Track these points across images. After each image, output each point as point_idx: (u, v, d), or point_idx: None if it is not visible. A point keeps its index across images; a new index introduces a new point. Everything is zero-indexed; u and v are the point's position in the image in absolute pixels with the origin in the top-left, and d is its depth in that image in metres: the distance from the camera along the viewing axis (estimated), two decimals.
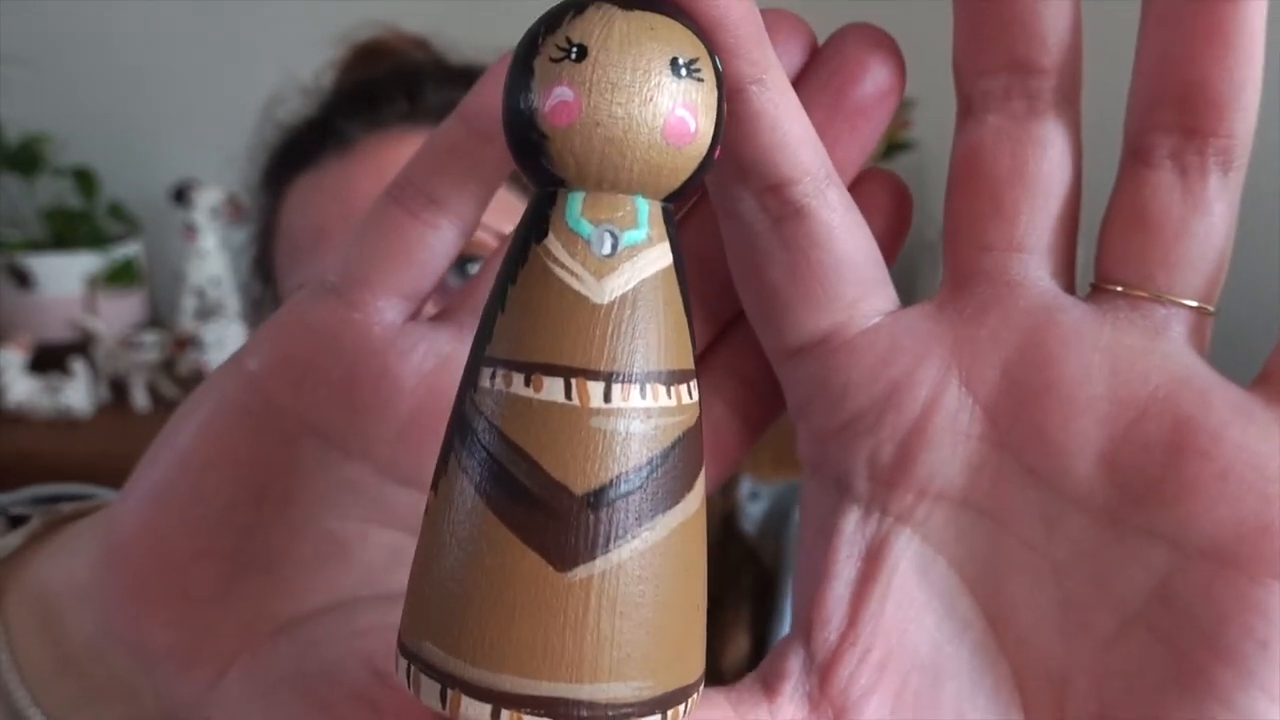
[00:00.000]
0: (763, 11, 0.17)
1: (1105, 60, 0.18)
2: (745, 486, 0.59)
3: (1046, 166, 0.18)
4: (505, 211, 0.27)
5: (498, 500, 0.13)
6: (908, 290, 0.19)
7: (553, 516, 0.13)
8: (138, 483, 0.21)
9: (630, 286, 0.13)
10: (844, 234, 0.18)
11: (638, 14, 0.13)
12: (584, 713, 0.13)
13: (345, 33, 0.61)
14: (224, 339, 1.04)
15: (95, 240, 1.15)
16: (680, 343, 0.14)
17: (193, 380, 1.09)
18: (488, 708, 0.13)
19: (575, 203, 0.14)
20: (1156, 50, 0.17)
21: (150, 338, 1.09)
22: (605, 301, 0.13)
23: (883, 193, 0.20)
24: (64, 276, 1.13)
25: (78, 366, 1.04)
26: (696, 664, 0.15)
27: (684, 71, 0.13)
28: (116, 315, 1.15)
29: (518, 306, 0.14)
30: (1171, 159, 0.17)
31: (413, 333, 0.20)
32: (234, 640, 0.21)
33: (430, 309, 0.21)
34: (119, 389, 1.09)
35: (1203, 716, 0.16)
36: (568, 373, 0.13)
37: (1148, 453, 0.16)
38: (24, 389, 1.03)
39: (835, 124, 0.18)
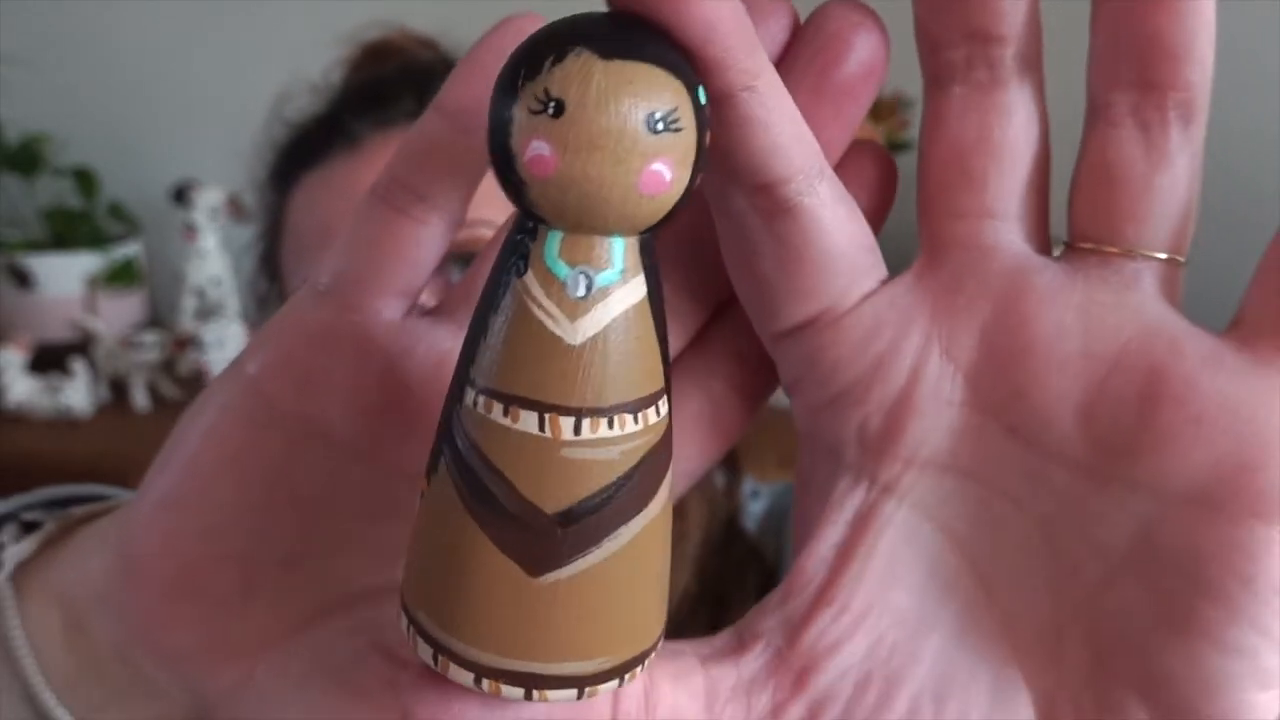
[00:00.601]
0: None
1: (1070, 25, 0.18)
2: (747, 485, 0.59)
3: (1012, 133, 0.18)
4: (499, 201, 0.27)
5: (479, 512, 0.15)
6: None
7: (526, 531, 0.15)
8: (149, 490, 0.21)
9: (602, 326, 0.14)
10: (834, 227, 0.18)
11: (617, 65, 0.13)
12: (552, 685, 0.15)
13: (352, 32, 0.62)
14: (224, 339, 1.04)
15: (95, 240, 1.15)
16: (649, 368, 0.15)
17: (193, 380, 1.09)
18: (471, 675, 0.15)
19: (553, 243, 0.14)
20: (1111, 8, 0.17)
21: (150, 338, 1.09)
22: (578, 343, 0.14)
23: (868, 164, 0.20)
24: (64, 276, 1.13)
25: (78, 366, 1.05)
26: (654, 629, 0.16)
27: (660, 126, 0.13)
28: (116, 315, 1.15)
29: (498, 337, 0.15)
30: (1132, 115, 0.17)
31: (412, 331, 0.21)
32: (257, 637, 0.21)
33: (426, 298, 0.21)
34: (119, 389, 1.10)
35: (1194, 654, 0.16)
36: (542, 408, 0.14)
37: (1123, 404, 0.17)
38: (24, 389, 1.03)
39: (820, 106, 0.18)
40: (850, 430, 0.19)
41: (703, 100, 0.14)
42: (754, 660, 0.19)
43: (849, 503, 0.19)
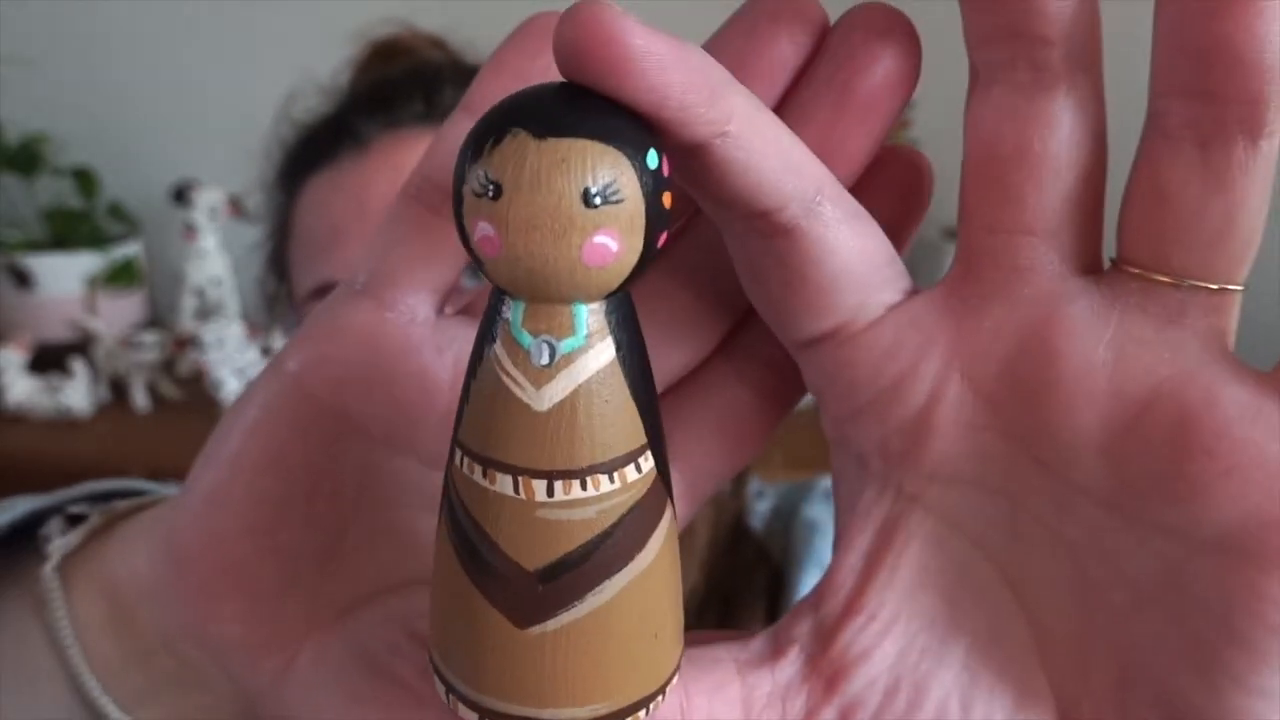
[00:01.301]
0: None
1: (1143, 25, 0.16)
2: (753, 485, 0.59)
3: (1055, 145, 0.16)
4: None
5: (470, 567, 0.16)
6: None
7: (510, 586, 0.15)
8: (194, 486, 0.21)
9: (568, 392, 0.15)
10: (838, 247, 0.17)
11: (550, 143, 0.14)
12: None
13: (359, 30, 0.61)
14: (224, 339, 1.04)
15: (95, 240, 1.15)
16: (624, 427, 0.15)
17: (193, 380, 1.09)
18: (475, 716, 0.16)
19: (517, 313, 0.15)
20: (1173, 8, 0.15)
21: (150, 338, 1.09)
22: (545, 409, 0.15)
23: (900, 169, 0.19)
24: (64, 276, 1.13)
25: (78, 366, 1.04)
26: (656, 677, 0.17)
27: (598, 200, 0.14)
28: (116, 315, 1.15)
29: (476, 403, 0.15)
30: (1189, 129, 0.15)
31: (447, 329, 0.21)
32: (300, 628, 0.21)
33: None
34: (119, 389, 1.09)
35: (1218, 692, 0.16)
36: (515, 471, 0.15)
37: (1151, 449, 0.16)
38: (24, 389, 1.03)
39: (843, 119, 0.18)
40: (873, 444, 0.19)
41: (652, 163, 0.14)
42: (789, 666, 0.19)
43: (876, 511, 0.19)
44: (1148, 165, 0.16)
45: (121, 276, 1.15)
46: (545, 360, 0.15)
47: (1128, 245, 0.17)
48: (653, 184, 0.14)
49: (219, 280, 1.14)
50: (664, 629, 0.16)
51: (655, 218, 0.14)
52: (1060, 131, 0.16)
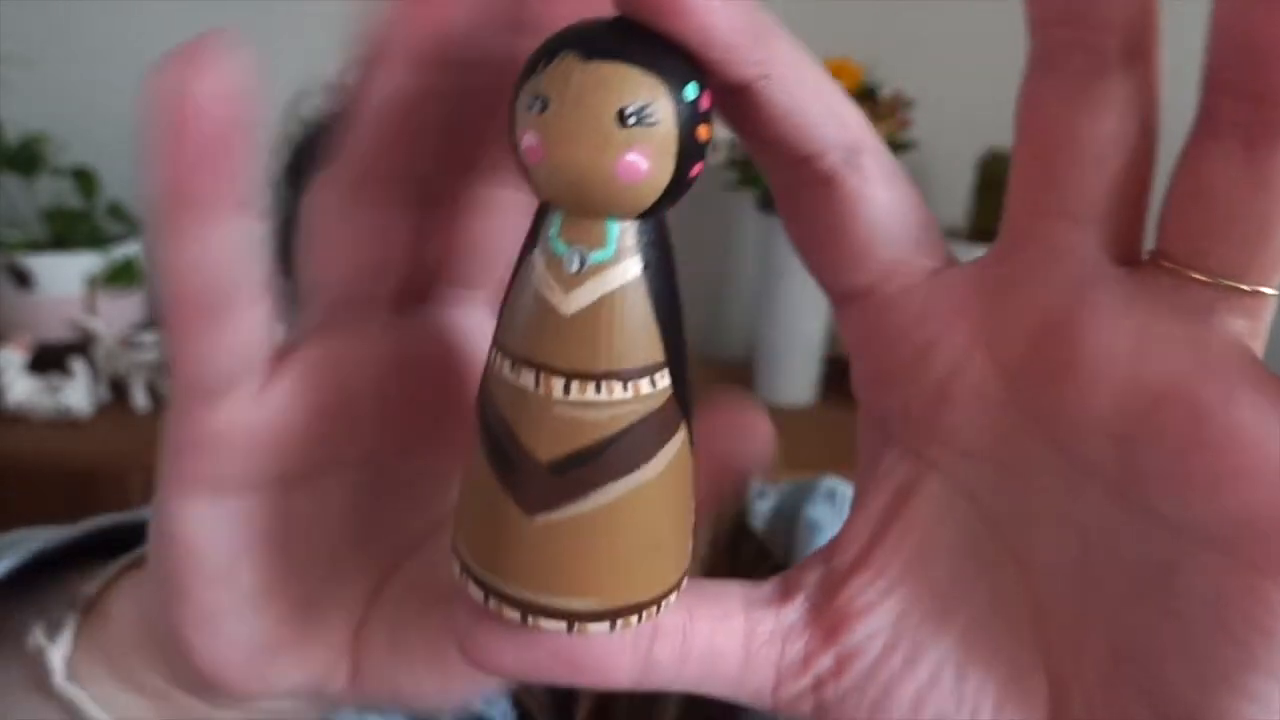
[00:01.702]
0: None
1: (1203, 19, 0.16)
2: (755, 485, 0.59)
3: (1103, 132, 0.16)
4: None
5: (492, 457, 0.17)
6: None
7: (523, 475, 0.17)
8: (176, 615, 0.22)
9: (593, 300, 0.16)
10: (876, 201, 0.18)
11: (594, 65, 0.15)
12: (544, 614, 0.17)
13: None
14: None
15: (95, 240, 1.15)
16: (642, 342, 0.16)
17: None
18: (482, 593, 0.18)
19: (556, 223, 0.16)
20: (1229, 5, 0.15)
21: (150, 338, 1.09)
22: (570, 313, 0.16)
23: (730, 424, 0.21)
24: (64, 276, 1.13)
25: (78, 366, 1.04)
26: (651, 587, 0.18)
27: (632, 120, 0.15)
28: (116, 315, 1.15)
29: (513, 304, 0.17)
30: (1238, 127, 0.15)
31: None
32: (345, 634, 0.23)
33: None
34: (119, 389, 1.10)
35: (1209, 690, 0.16)
36: (539, 367, 0.16)
37: (1161, 441, 0.16)
38: (24, 389, 1.03)
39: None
40: (895, 407, 0.19)
41: (690, 95, 0.15)
42: (793, 611, 0.19)
43: (894, 474, 0.19)
44: (1192, 161, 0.16)
45: (121, 276, 1.15)
46: (575, 268, 0.16)
47: (1165, 239, 0.17)
48: (688, 114, 0.15)
49: None
50: (664, 545, 0.18)
51: (688, 145, 0.15)
52: (1110, 119, 0.16)
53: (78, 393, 1.04)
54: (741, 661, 0.19)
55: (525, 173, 0.16)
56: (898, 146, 1.05)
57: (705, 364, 1.01)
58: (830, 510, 0.55)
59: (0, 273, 1.12)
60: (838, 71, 1.05)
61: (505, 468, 0.17)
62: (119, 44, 1.21)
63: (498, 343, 0.17)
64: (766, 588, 0.20)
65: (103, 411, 1.07)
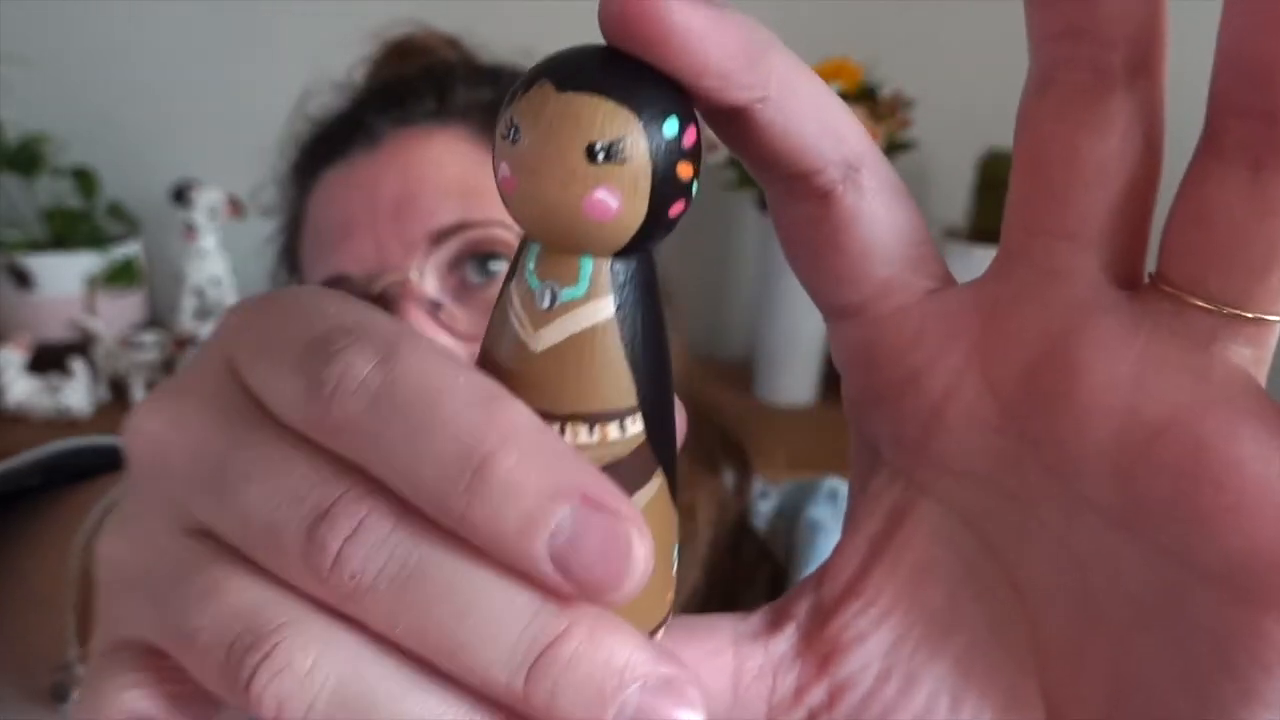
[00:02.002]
0: None
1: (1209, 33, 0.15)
2: (757, 486, 0.59)
3: (1104, 151, 0.16)
4: None
5: None
6: None
7: None
8: None
9: (562, 338, 0.15)
10: (873, 217, 0.17)
11: (568, 96, 0.14)
12: None
13: (376, 29, 0.62)
14: None
15: (95, 240, 1.15)
16: (612, 384, 0.16)
17: None
18: None
19: (531, 256, 0.16)
20: (1237, 20, 0.14)
21: (150, 338, 1.09)
22: (538, 350, 0.16)
23: None
24: (64, 276, 1.13)
25: (77, 366, 1.04)
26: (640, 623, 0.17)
27: (600, 156, 0.14)
28: (116, 315, 1.15)
29: (491, 333, 0.16)
30: (1242, 149, 0.15)
31: None
32: None
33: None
34: (119, 389, 1.09)
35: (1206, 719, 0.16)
36: None
37: (1161, 474, 0.16)
38: (24, 389, 1.03)
39: None
40: (885, 430, 0.19)
41: (669, 131, 0.15)
42: (783, 642, 0.19)
43: (885, 497, 0.19)
44: (1196, 183, 0.16)
45: (121, 276, 1.15)
46: (546, 304, 0.15)
47: (1166, 263, 0.16)
48: (665, 150, 0.14)
49: (219, 280, 1.14)
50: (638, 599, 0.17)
51: (665, 184, 0.15)
52: (1112, 138, 0.16)
53: (78, 393, 1.04)
54: (731, 699, 0.19)
55: (504, 201, 0.15)
56: (898, 146, 1.05)
57: (705, 364, 1.00)
58: (832, 511, 0.55)
59: (0, 273, 1.12)
60: (838, 72, 1.05)
61: None
62: (119, 44, 1.21)
63: (479, 367, 0.16)
64: (755, 620, 0.19)
65: (102, 411, 1.07)
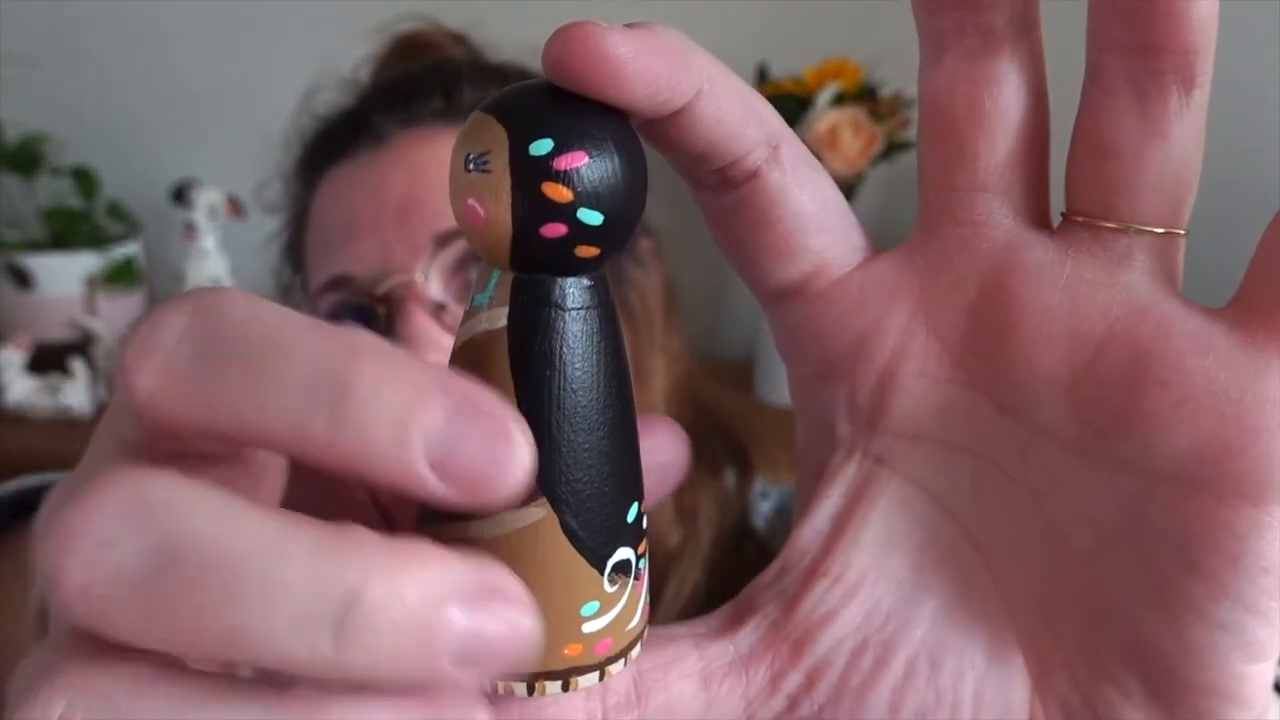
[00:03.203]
0: None
1: None
2: (758, 486, 0.59)
3: (1003, 102, 0.18)
4: None
5: None
6: None
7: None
8: None
9: (464, 339, 0.17)
10: (798, 188, 0.18)
11: (473, 115, 0.16)
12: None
13: (384, 24, 0.62)
14: None
15: (95, 240, 1.15)
16: (495, 393, 0.16)
17: None
18: None
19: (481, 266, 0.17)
20: None
21: None
22: (455, 348, 0.17)
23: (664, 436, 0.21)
24: (64, 276, 1.13)
25: (77, 366, 1.04)
26: (558, 640, 0.17)
27: (470, 166, 0.15)
28: (116, 315, 1.15)
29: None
30: (1127, 81, 0.16)
31: None
32: None
33: (458, 310, 0.21)
34: None
35: (1181, 627, 0.17)
36: None
37: (1109, 385, 0.17)
38: (24, 389, 1.03)
39: None
40: (839, 404, 0.19)
41: (538, 150, 0.15)
42: (750, 634, 0.19)
43: (844, 475, 0.19)
44: (1089, 118, 0.17)
45: (121, 276, 1.15)
46: (466, 307, 0.17)
47: (1075, 196, 0.18)
48: (529, 167, 0.15)
49: (218, 280, 1.14)
50: (557, 604, 0.16)
51: (527, 199, 0.15)
52: (1008, 89, 0.18)
53: (77, 393, 1.04)
54: (704, 699, 0.18)
55: None
56: (898, 146, 1.05)
57: (705, 364, 1.01)
58: None
59: (0, 273, 1.12)
60: (838, 72, 1.05)
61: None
62: (119, 44, 1.21)
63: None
64: (715, 619, 0.20)
65: (103, 411, 1.07)
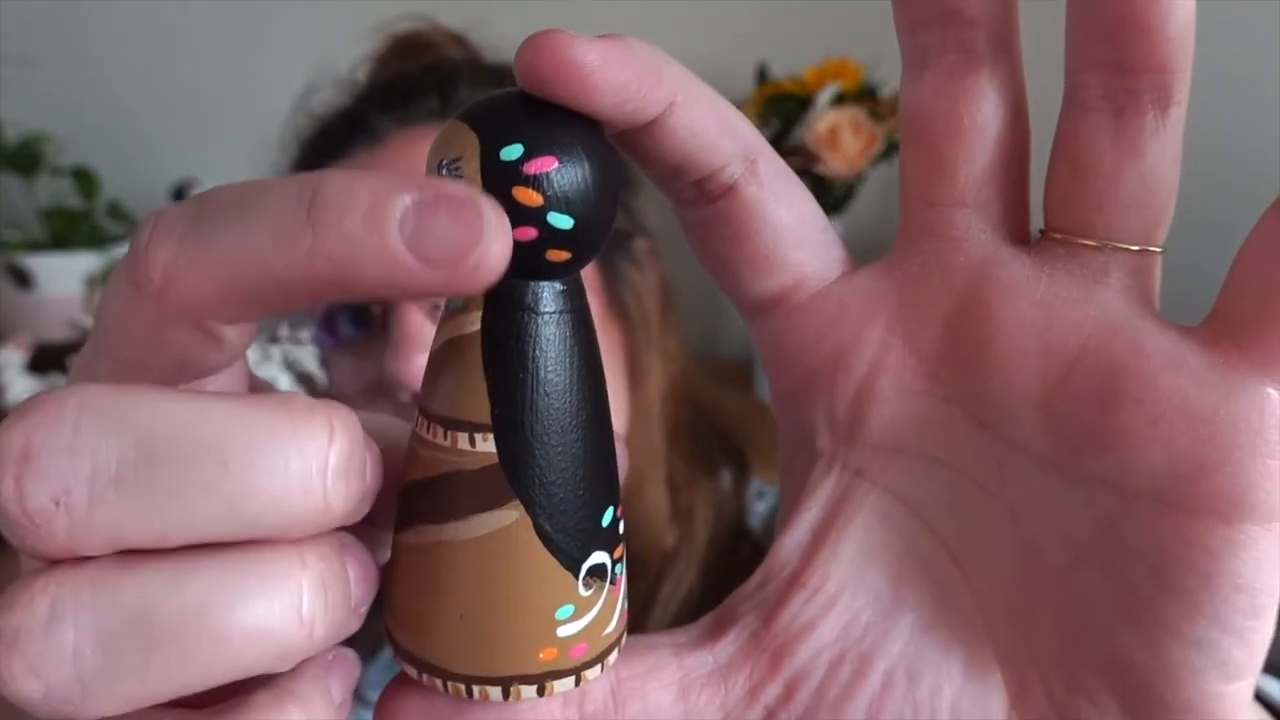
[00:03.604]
0: None
1: (1054, 6, 0.17)
2: (754, 486, 0.59)
3: (982, 118, 0.18)
4: None
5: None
6: None
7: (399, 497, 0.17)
8: None
9: (441, 342, 0.17)
10: (775, 202, 0.19)
11: (446, 123, 0.16)
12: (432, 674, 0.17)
13: (381, 24, 0.62)
14: None
15: (95, 240, 1.15)
16: (468, 395, 0.16)
17: None
18: (415, 669, 0.17)
19: None
20: None
21: None
22: (431, 351, 0.17)
23: None
24: (64, 276, 1.13)
25: None
26: (468, 658, 0.17)
27: (443, 171, 0.16)
28: None
29: None
30: (1104, 99, 0.17)
31: None
32: None
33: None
34: None
35: (1156, 645, 0.17)
36: (417, 400, 0.17)
37: (1082, 402, 0.17)
38: (24, 389, 1.03)
39: None
40: (819, 416, 0.20)
41: (509, 155, 0.15)
42: (729, 644, 0.19)
43: (823, 488, 0.19)
44: (1067, 137, 0.17)
45: None
46: (442, 309, 0.17)
47: (1053, 213, 0.18)
48: (499, 172, 0.15)
49: None
50: (473, 616, 0.17)
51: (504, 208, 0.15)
52: (987, 106, 0.18)
53: None
54: (682, 709, 0.18)
55: None
56: (898, 146, 1.05)
57: (705, 364, 1.01)
58: None
59: (0, 273, 1.12)
60: (838, 72, 1.05)
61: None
62: (119, 44, 1.21)
63: None
64: (694, 630, 0.20)
65: None
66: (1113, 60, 0.16)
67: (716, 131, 0.18)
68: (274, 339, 1.05)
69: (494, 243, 0.14)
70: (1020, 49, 0.18)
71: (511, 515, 0.16)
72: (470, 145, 0.15)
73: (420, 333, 0.47)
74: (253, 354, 1.04)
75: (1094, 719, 0.17)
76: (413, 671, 0.17)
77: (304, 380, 1.06)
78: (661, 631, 0.20)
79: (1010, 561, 0.18)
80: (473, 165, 0.15)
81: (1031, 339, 0.17)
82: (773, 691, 0.18)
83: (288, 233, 0.14)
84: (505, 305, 0.16)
